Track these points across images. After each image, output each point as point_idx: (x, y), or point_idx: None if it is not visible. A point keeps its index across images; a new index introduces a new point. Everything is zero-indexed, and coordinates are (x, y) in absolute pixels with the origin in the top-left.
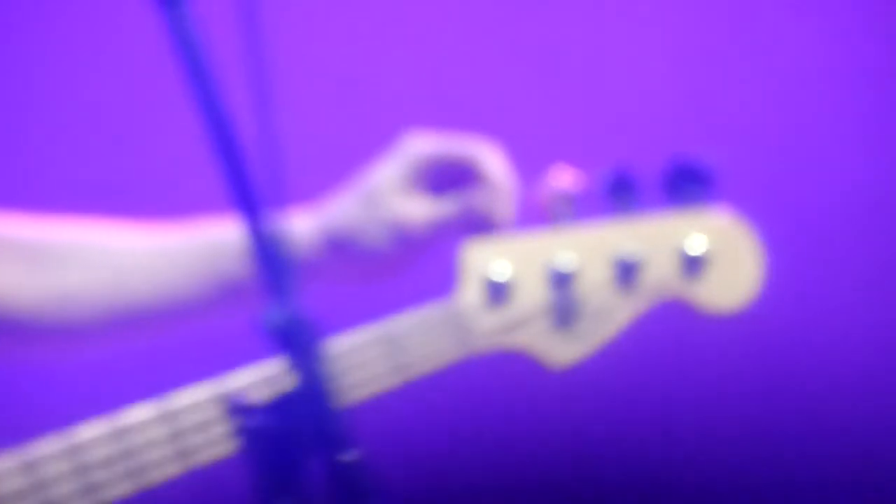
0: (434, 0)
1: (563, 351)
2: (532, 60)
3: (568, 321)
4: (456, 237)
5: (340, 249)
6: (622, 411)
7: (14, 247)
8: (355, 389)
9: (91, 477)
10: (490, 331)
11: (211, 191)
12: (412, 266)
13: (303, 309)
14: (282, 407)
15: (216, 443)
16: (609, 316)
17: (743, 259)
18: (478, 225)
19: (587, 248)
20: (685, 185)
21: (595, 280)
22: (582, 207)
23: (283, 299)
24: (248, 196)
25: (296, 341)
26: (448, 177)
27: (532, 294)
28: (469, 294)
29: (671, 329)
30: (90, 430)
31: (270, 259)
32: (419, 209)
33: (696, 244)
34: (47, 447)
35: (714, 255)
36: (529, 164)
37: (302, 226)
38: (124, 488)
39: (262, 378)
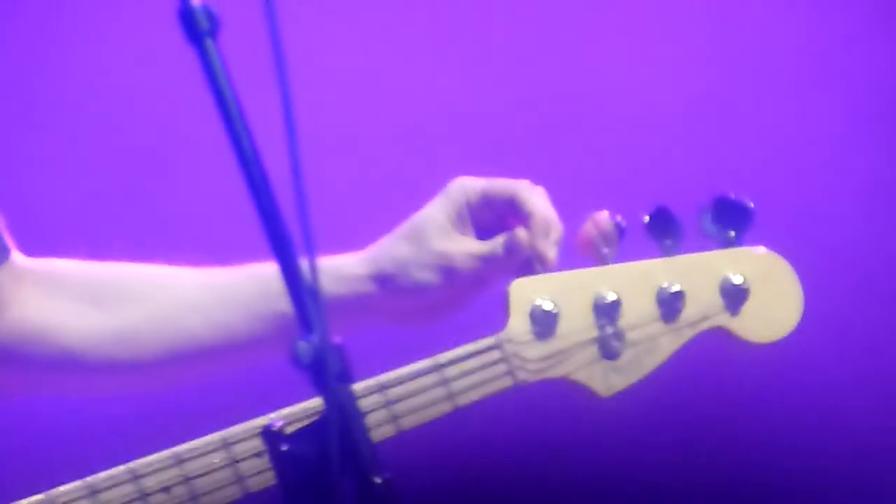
0: (476, 49)
1: (608, 382)
2: (578, 106)
3: (613, 353)
4: (503, 275)
5: (387, 283)
6: (635, 431)
7: (70, 284)
8: (408, 416)
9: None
10: (537, 362)
11: (243, 228)
12: (463, 307)
13: (332, 338)
14: (313, 433)
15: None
16: (653, 348)
17: (783, 293)
18: (523, 261)
19: (631, 284)
20: (725, 223)
21: (639, 314)
22: (625, 248)
23: (313, 329)
24: (277, 229)
25: (326, 369)
26: (494, 216)
27: (578, 327)
28: (517, 327)
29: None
30: (151, 458)
31: (300, 290)
32: (464, 246)
33: (737, 279)
34: (110, 473)
35: (754, 290)
36: (574, 206)
37: (349, 260)
38: None
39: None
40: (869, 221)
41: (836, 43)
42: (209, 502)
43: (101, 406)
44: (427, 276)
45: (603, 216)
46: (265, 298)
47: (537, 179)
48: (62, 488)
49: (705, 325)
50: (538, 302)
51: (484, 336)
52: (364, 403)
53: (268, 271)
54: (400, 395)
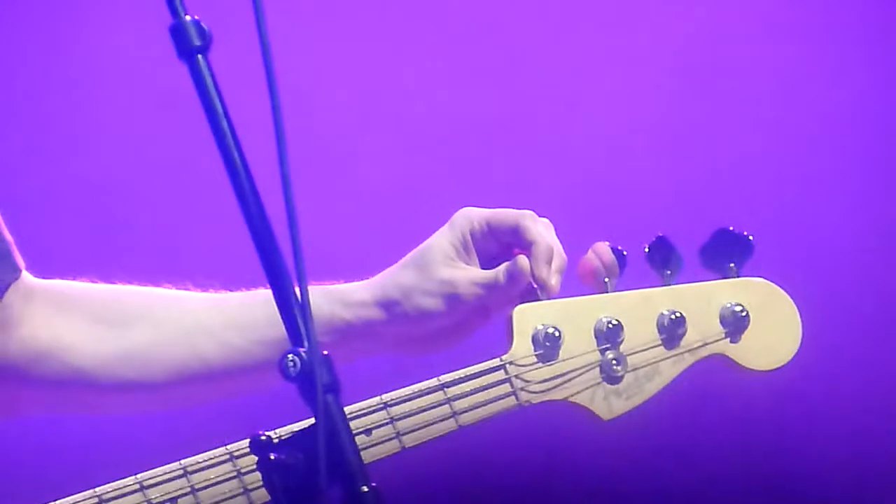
0: (479, 78)
1: (609, 405)
2: (582, 138)
3: (614, 377)
4: (507, 303)
5: (392, 309)
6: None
7: (80, 304)
8: (413, 433)
9: None
10: (540, 384)
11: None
12: (467, 334)
13: (320, 351)
14: (301, 442)
15: None
16: (654, 373)
17: (781, 323)
18: (526, 288)
19: (633, 310)
20: (725, 255)
21: (640, 339)
22: (627, 277)
23: (302, 341)
24: (266, 242)
25: (314, 380)
26: (499, 245)
27: (580, 351)
28: (520, 350)
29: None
30: (158, 469)
31: (289, 302)
32: (467, 274)
33: (737, 308)
34: (119, 484)
35: (754, 319)
36: (577, 237)
37: (355, 287)
38: None
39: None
40: (866, 252)
41: (840, 75)
42: None
43: (109, 418)
44: (431, 302)
45: (604, 246)
46: (275, 324)
47: (541, 211)
48: (70, 498)
49: (706, 352)
50: (540, 326)
51: (487, 360)
52: (369, 420)
53: None
54: (404, 412)
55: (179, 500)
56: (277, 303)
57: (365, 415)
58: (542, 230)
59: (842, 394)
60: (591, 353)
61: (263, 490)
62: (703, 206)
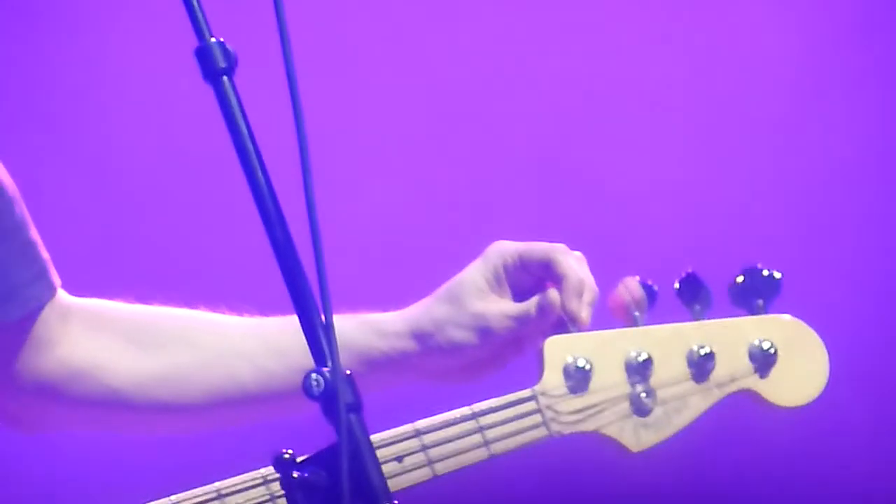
0: (507, 113)
1: (638, 438)
2: (614, 177)
3: (644, 410)
4: (538, 335)
5: (425, 341)
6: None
7: (116, 324)
8: (444, 461)
9: None
10: (570, 415)
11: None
12: (500, 366)
13: (343, 370)
14: (324, 460)
15: None
16: (683, 407)
17: (809, 360)
18: (556, 321)
19: (663, 344)
20: (754, 292)
21: (670, 373)
22: (656, 313)
23: (326, 361)
24: (291, 261)
25: (337, 399)
26: (531, 278)
27: (610, 383)
28: (551, 381)
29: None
30: (193, 492)
31: (313, 321)
32: (500, 307)
33: (765, 344)
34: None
35: (782, 355)
36: (609, 271)
37: (390, 317)
38: None
39: None
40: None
41: (866, 110)
42: None
43: (142, 438)
44: (464, 335)
45: (634, 281)
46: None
47: (572, 245)
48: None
49: (734, 387)
50: (571, 358)
51: (515, 390)
52: (401, 447)
53: None
54: (436, 440)
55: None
56: (301, 322)
57: (397, 442)
58: (573, 263)
59: (864, 427)
60: (621, 385)
61: None
62: (733, 241)
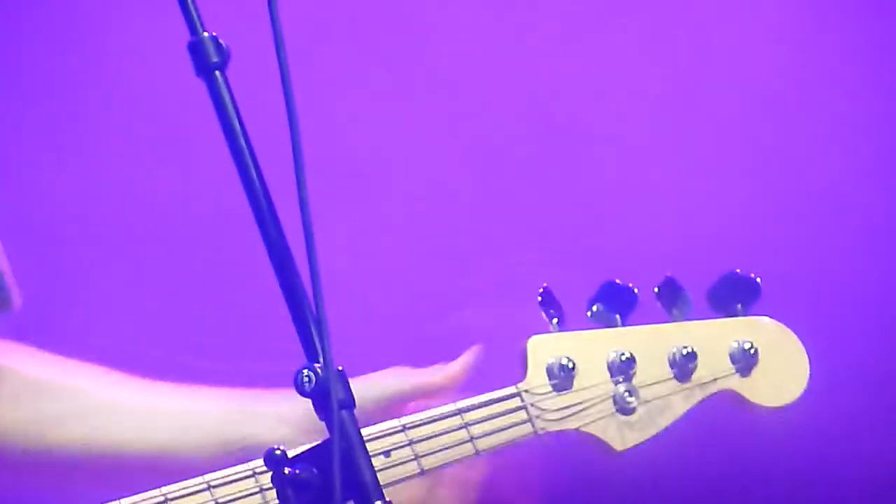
0: (491, 115)
1: (622, 437)
2: (594, 178)
3: (627, 409)
4: None
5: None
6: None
7: (8, 377)
8: (430, 456)
9: None
10: (555, 412)
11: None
12: None
13: (335, 366)
14: (316, 457)
15: None
16: (666, 406)
17: (790, 361)
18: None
19: (645, 344)
20: (733, 297)
21: (653, 372)
22: (638, 317)
23: (317, 357)
24: (282, 256)
25: (329, 396)
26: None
27: (593, 382)
28: (535, 380)
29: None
30: (183, 483)
31: (305, 317)
32: None
33: (746, 345)
34: (145, 496)
35: (763, 357)
36: (591, 276)
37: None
38: None
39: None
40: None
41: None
42: None
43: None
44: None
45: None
46: (218, 429)
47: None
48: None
49: (716, 388)
50: (555, 357)
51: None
52: (388, 441)
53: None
54: (422, 435)
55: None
56: (293, 317)
57: (384, 437)
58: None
59: (848, 425)
60: (604, 384)
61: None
62: (715, 247)
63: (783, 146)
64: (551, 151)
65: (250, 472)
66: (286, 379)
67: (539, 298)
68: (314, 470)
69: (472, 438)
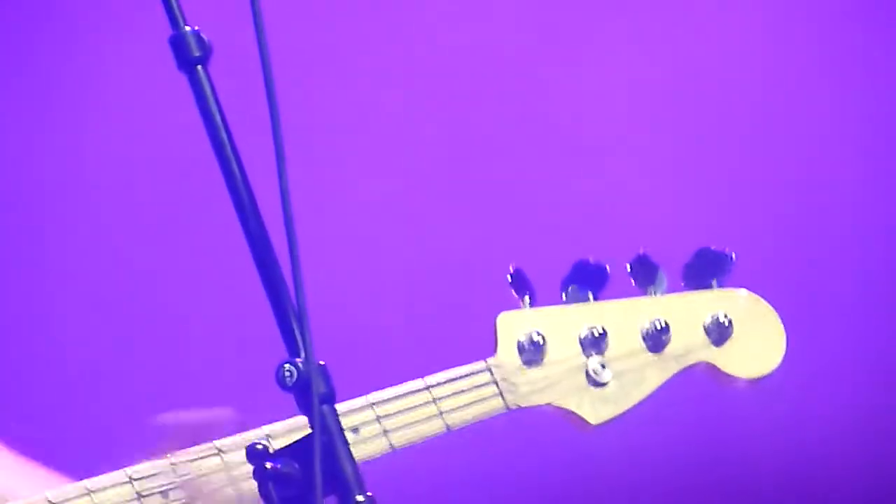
0: (472, 104)
1: (596, 410)
2: (569, 156)
3: (600, 384)
4: None
5: None
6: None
7: None
8: (399, 432)
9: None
10: (526, 386)
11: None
12: None
13: (316, 361)
14: (298, 451)
15: None
16: (640, 380)
17: (766, 333)
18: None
19: (617, 318)
20: (707, 272)
21: (625, 346)
22: (611, 290)
23: (299, 352)
24: (263, 249)
25: (311, 390)
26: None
27: (565, 356)
28: (505, 354)
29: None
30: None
31: (286, 311)
32: None
33: (720, 316)
34: (108, 476)
35: (738, 328)
36: (564, 251)
37: None
38: None
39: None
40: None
41: (832, 87)
42: None
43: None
44: None
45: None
46: None
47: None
48: (58, 490)
49: (691, 359)
50: (526, 332)
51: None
52: (356, 418)
53: None
54: (390, 411)
55: (170, 492)
56: (274, 312)
57: (351, 413)
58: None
59: (825, 400)
60: (575, 357)
61: (250, 483)
62: (688, 219)
63: (750, 120)
64: (521, 133)
65: (215, 451)
66: (267, 375)
67: (509, 278)
68: (296, 465)
69: (440, 413)
